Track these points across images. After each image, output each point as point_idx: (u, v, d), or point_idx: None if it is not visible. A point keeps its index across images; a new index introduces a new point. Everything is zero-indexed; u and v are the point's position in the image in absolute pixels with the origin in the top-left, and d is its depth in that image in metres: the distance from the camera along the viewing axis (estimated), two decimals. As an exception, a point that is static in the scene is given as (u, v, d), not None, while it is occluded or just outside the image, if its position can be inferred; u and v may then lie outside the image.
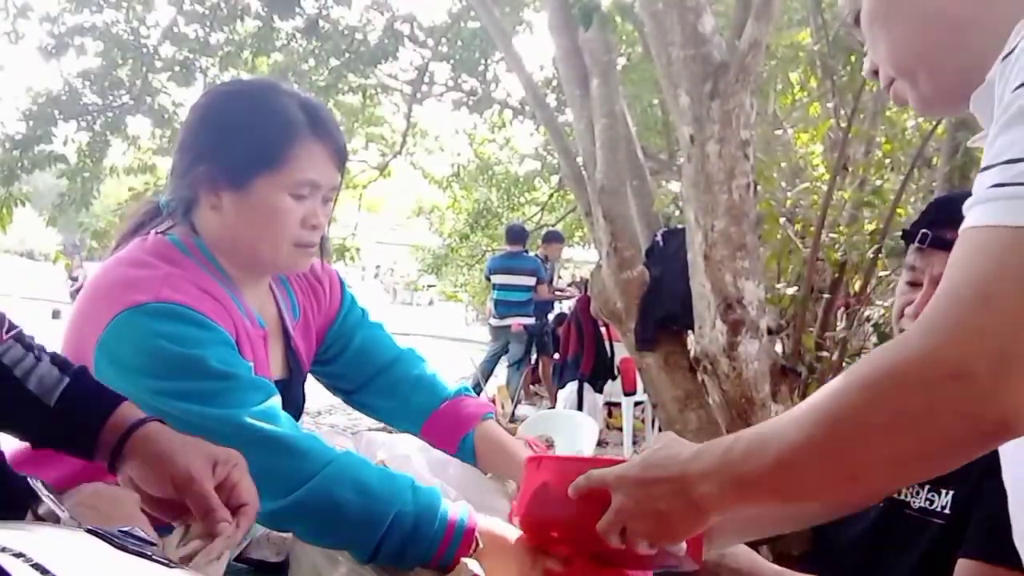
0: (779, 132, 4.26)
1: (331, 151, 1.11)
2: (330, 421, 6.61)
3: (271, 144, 1.07)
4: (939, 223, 1.14)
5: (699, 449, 0.75)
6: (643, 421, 6.15)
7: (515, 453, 1.25)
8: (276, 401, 1.05)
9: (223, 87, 1.24)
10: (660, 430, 5.38)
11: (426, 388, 1.33)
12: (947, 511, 1.12)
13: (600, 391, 5.97)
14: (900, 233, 1.21)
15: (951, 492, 1.12)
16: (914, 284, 1.17)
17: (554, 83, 6.66)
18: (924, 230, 1.15)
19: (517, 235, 7.29)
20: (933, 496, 1.14)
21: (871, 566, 1.18)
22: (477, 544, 1.01)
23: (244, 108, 1.11)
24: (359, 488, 0.98)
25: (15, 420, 0.90)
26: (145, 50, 6.27)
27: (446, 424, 1.30)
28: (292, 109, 1.09)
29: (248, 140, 1.08)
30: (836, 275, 3.18)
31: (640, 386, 5.25)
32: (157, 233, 1.13)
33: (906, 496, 1.18)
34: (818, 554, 1.29)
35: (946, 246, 1.13)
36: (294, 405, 1.24)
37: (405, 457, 1.26)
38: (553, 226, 9.64)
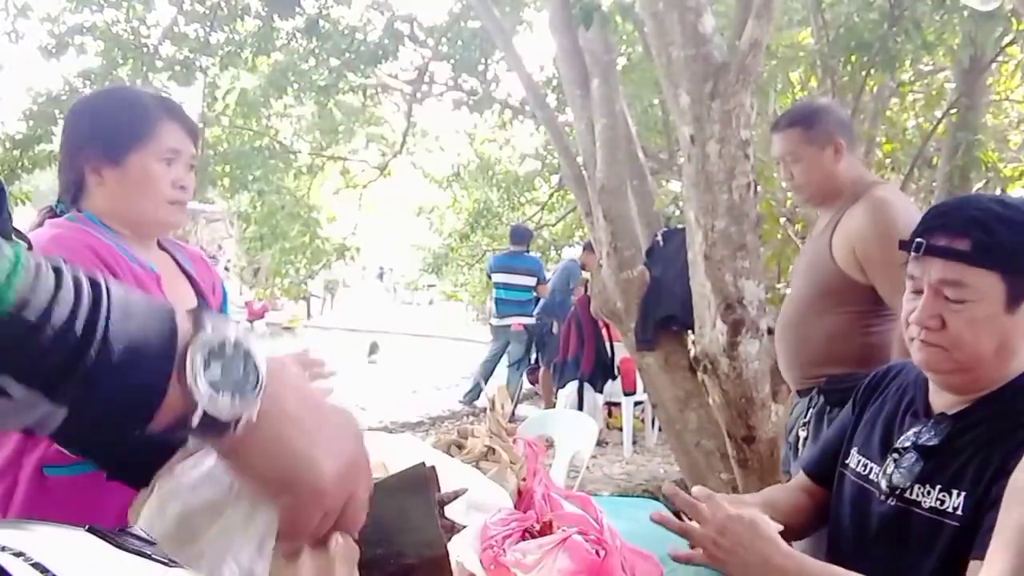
0: (779, 132, 4.25)
1: (184, 128, 1.40)
2: (330, 421, 6.60)
3: (137, 124, 1.35)
4: (932, 231, 1.17)
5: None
6: (643, 421, 6.14)
7: None
8: None
9: (88, 95, 1.56)
10: (660, 430, 5.37)
11: None
12: (959, 512, 1.11)
13: (600, 391, 5.97)
14: (897, 244, 1.23)
15: (963, 494, 1.12)
16: (917, 292, 1.19)
17: (554, 83, 6.64)
18: (918, 239, 1.17)
19: (519, 236, 7.36)
20: (944, 496, 1.14)
21: (888, 567, 1.18)
22: None
23: (110, 101, 1.41)
24: None
25: None
26: (145, 50, 6.25)
27: None
28: (148, 99, 1.39)
29: (118, 123, 1.36)
30: (836, 275, 3.16)
31: (640, 386, 5.25)
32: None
33: (917, 496, 1.18)
34: (831, 556, 1.29)
35: (939, 253, 1.14)
36: None
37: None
38: (553, 226, 9.64)
